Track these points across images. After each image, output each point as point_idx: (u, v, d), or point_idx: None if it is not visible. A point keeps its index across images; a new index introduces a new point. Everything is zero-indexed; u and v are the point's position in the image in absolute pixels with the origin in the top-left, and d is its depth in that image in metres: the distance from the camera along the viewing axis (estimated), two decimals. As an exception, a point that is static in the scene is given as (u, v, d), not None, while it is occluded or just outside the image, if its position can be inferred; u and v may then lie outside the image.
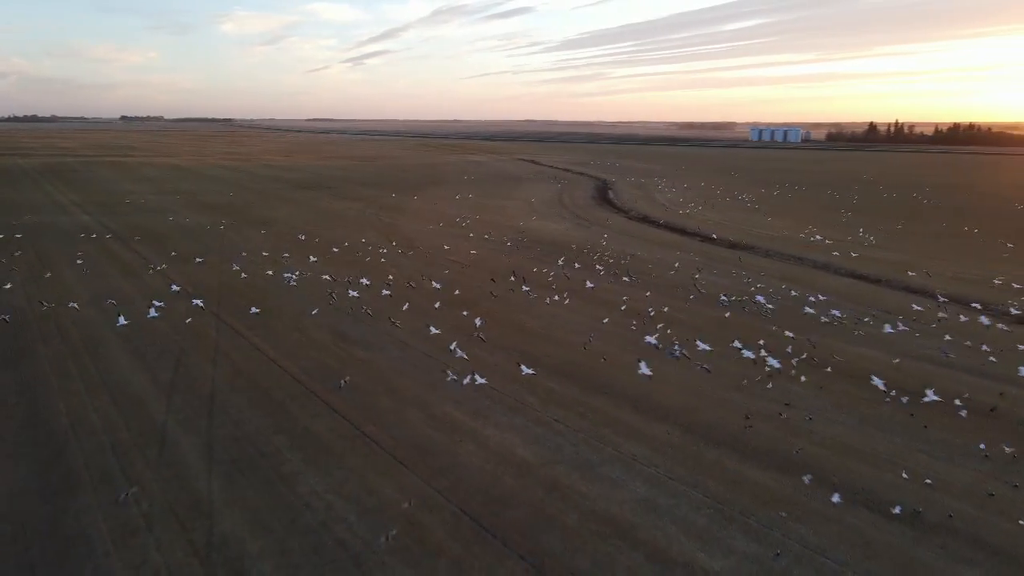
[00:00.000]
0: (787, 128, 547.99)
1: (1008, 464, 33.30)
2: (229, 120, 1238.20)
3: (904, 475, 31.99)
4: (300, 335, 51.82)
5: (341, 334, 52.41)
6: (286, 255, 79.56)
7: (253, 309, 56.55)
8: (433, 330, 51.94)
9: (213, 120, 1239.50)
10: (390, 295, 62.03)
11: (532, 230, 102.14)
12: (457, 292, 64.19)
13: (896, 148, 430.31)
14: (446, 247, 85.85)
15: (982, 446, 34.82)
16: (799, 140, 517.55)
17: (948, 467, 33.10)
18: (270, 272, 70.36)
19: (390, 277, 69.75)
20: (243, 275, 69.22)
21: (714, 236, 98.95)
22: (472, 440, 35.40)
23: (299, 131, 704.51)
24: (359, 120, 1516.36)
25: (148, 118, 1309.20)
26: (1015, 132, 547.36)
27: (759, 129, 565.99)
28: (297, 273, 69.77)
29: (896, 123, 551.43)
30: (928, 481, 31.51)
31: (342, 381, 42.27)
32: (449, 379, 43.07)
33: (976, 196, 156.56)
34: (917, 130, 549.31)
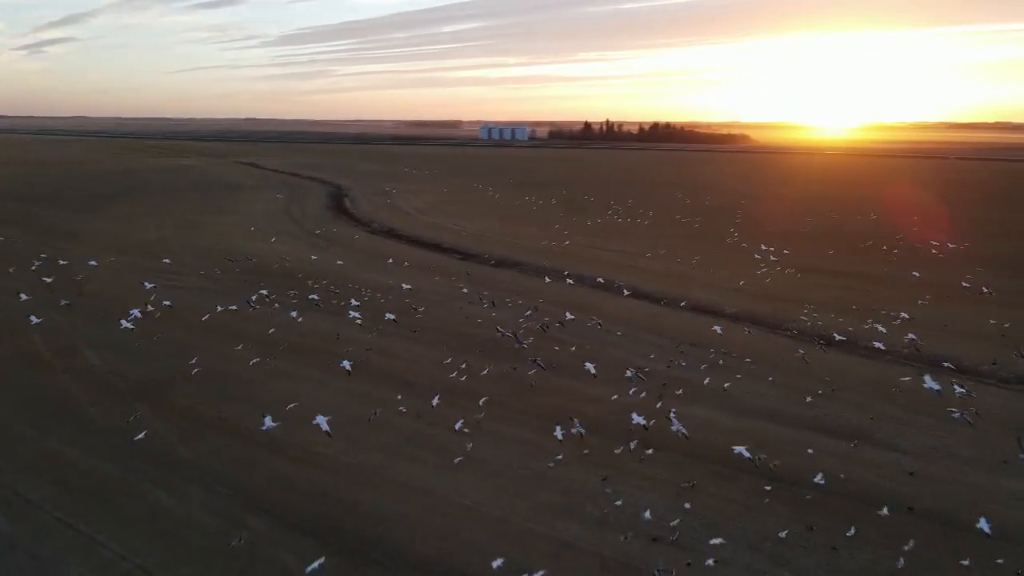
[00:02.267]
0: (515, 127, 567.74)
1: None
2: None
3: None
4: None
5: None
6: None
7: None
8: (80, 457, 31.66)
9: None
10: (21, 381, 39.52)
11: (253, 255, 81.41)
12: (134, 370, 43.44)
13: (615, 146, 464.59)
14: (131, 290, 62.46)
15: (901, 563, 25.09)
16: (526, 138, 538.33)
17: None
18: None
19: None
20: None
21: (476, 253, 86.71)
22: None
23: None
24: (40, 117, 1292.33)
25: None
26: (701, 130, 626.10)
27: (488, 127, 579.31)
28: None
29: (607, 122, 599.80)
30: None
31: None
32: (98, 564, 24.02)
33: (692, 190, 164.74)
34: (625, 129, 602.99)
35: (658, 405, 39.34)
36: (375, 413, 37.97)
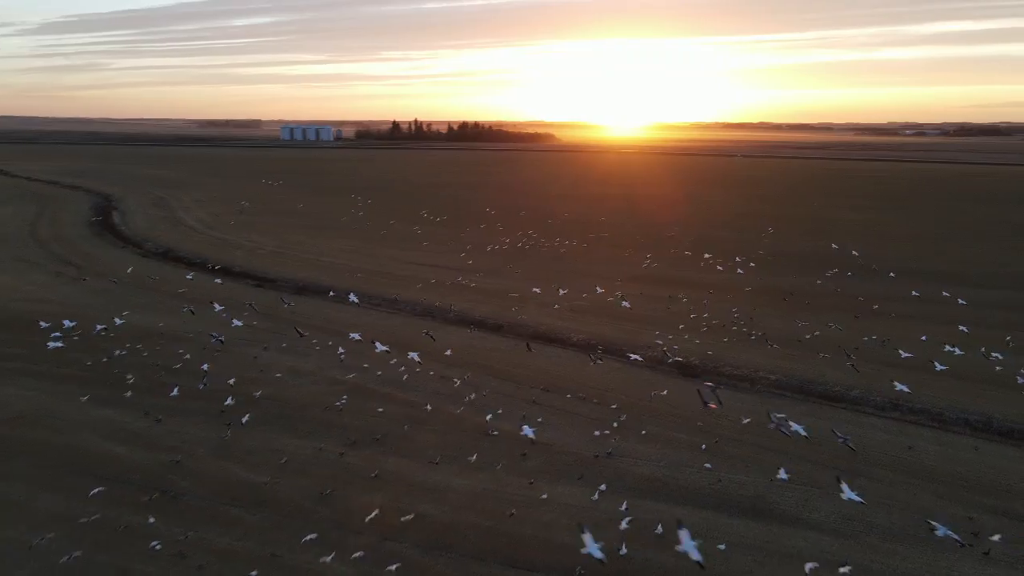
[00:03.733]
0: (319, 127, 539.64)
1: None
2: None
3: None
4: None
5: None
6: None
7: None
8: None
9: None
10: None
11: (-31, 296, 61.87)
12: None
13: (427, 146, 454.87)
14: None
15: None
16: (332, 138, 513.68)
17: None
18: None
19: None
20: None
21: (275, 277, 72.69)
22: None
23: None
24: None
25: None
26: (509, 130, 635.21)
27: (290, 127, 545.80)
28: None
29: (416, 122, 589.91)
30: None
31: None
32: None
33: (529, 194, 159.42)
34: (434, 128, 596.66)
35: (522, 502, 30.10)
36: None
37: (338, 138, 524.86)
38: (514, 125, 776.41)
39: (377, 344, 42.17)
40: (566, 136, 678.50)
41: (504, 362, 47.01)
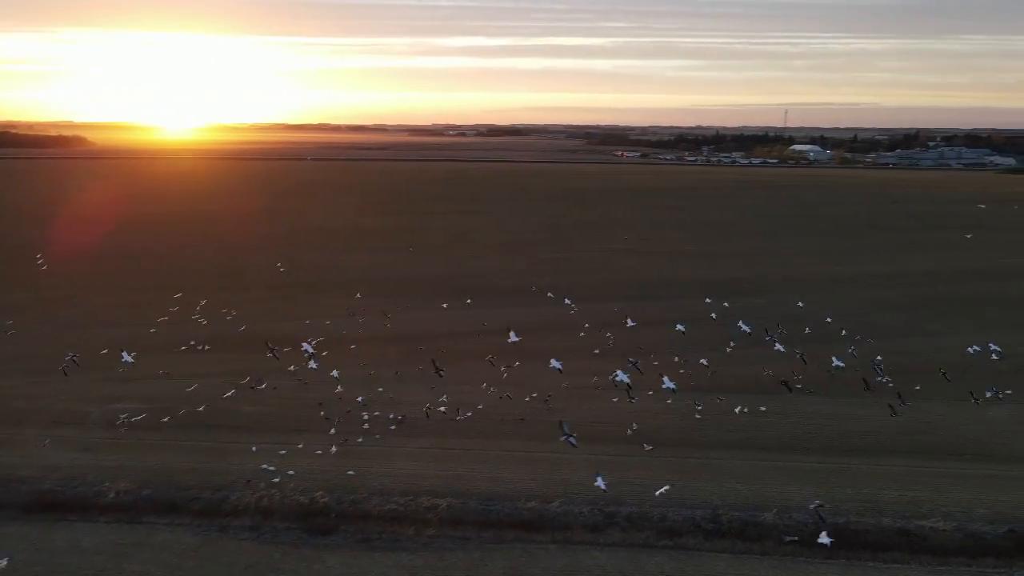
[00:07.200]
0: None
1: None
2: None
3: None
4: None
5: None
6: None
7: None
8: None
9: None
10: None
11: None
12: None
13: None
14: None
15: None
16: None
17: None
18: None
19: None
20: None
21: None
22: None
23: None
24: None
25: None
26: (22, 132, 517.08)
27: None
28: None
29: None
30: None
31: None
32: None
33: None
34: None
35: None
36: None
37: None
38: (30, 126, 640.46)
39: None
40: (102, 139, 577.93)
41: None
